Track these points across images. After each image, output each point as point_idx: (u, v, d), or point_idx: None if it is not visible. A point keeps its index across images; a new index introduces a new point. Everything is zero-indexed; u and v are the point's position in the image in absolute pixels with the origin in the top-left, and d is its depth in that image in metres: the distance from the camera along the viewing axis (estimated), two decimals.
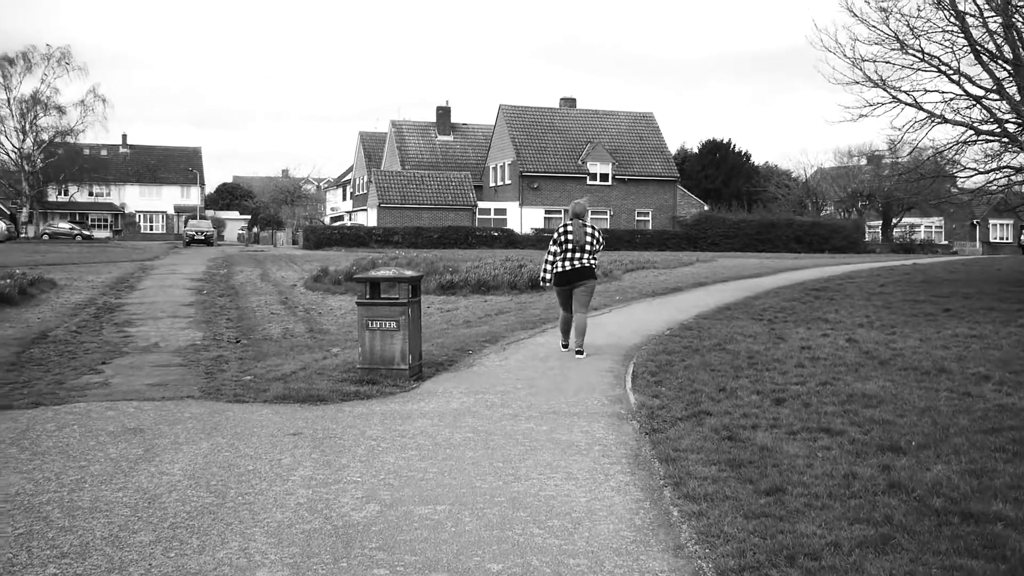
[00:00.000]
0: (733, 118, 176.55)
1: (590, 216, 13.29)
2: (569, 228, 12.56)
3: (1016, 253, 63.42)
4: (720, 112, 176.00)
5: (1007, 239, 74.67)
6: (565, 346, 13.17)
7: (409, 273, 10.58)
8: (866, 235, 66.88)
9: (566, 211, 12.87)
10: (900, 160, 67.91)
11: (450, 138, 72.07)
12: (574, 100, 69.53)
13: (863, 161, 71.37)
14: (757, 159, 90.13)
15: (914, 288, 23.82)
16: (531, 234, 59.31)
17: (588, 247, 12.60)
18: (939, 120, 22.65)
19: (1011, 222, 79.25)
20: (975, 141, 23.77)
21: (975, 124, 22.78)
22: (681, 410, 8.90)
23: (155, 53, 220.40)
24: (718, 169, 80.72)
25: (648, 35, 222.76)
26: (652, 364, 11.86)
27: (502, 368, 11.60)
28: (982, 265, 36.73)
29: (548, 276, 12.78)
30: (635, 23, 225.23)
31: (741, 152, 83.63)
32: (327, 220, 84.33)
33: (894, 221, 69.74)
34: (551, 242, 12.72)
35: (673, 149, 70.97)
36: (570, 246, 12.55)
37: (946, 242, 73.72)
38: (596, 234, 12.82)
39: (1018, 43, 22.09)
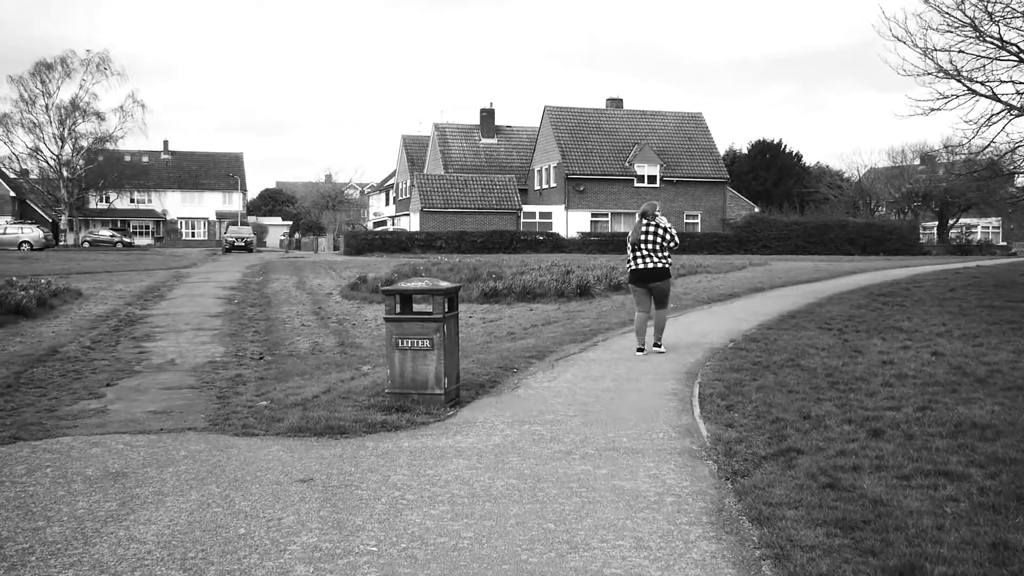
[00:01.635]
0: (783, 119, 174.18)
1: (654, 215, 13.09)
2: (640, 227, 12.83)
3: None
4: (770, 113, 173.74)
5: None
6: (640, 349, 12.97)
7: (445, 284, 9.30)
8: (921, 236, 64.66)
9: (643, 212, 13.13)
10: (956, 159, 66.12)
11: (494, 141, 70.85)
12: (621, 101, 67.99)
13: (916, 160, 69.23)
14: (808, 159, 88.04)
15: (986, 293, 22.24)
16: (577, 238, 57.91)
17: (651, 245, 12.75)
18: (1017, 112, 21.01)
19: None
20: None
21: None
22: (763, 445, 7.54)
23: (196, 61, 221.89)
24: (768, 170, 78.68)
25: (693, 38, 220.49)
26: (720, 384, 10.51)
27: (550, 390, 10.28)
28: None
29: (626, 276, 13.32)
30: (680, 26, 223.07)
31: (792, 152, 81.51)
32: (370, 225, 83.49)
33: (950, 222, 67.42)
34: (627, 240, 13.05)
35: (722, 150, 69.16)
36: (632, 246, 12.88)
37: (1004, 243, 71.16)
38: (660, 232, 12.81)
39: None
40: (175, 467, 6.99)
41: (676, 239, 13.02)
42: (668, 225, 13.07)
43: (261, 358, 13.83)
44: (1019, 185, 69.70)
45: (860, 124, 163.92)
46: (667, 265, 12.89)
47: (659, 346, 13.08)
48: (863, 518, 5.54)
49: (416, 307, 9.60)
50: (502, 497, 6.18)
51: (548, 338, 14.86)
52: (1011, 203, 62.70)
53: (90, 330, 16.88)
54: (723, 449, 7.48)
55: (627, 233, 51.27)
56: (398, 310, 9.39)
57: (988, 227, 74.05)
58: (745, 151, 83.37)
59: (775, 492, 6.13)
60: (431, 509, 5.90)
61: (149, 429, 8.43)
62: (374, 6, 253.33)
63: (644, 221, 12.82)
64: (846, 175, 76.30)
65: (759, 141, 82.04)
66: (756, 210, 68.50)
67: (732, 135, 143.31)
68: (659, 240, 12.80)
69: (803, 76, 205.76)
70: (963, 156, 64.49)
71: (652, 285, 12.87)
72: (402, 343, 9.15)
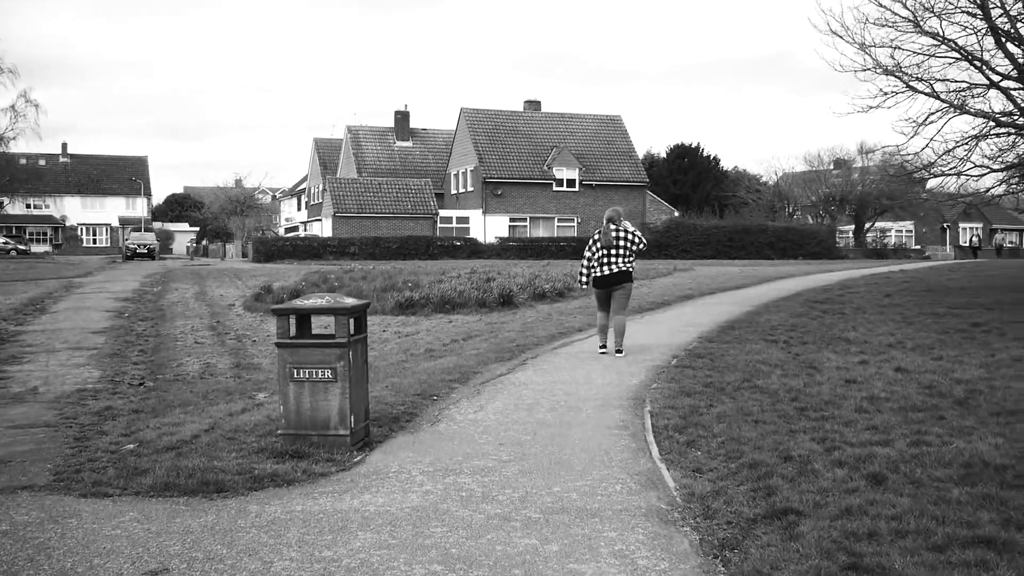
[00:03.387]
0: (702, 124, 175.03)
1: (620, 221, 13.20)
2: (598, 233, 12.95)
3: (992, 257, 61.44)
4: (689, 119, 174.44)
5: (977, 243, 72.74)
6: (603, 347, 13.21)
7: (350, 301, 7.67)
8: (838, 240, 64.68)
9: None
10: (871, 163, 66.34)
11: (409, 144, 68.94)
12: (539, 103, 66.61)
13: (831, 165, 69.37)
14: (727, 164, 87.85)
15: (923, 299, 21.41)
16: (496, 243, 56.39)
17: (622, 250, 12.86)
18: (957, 111, 20.10)
19: (980, 225, 77.67)
20: (992, 135, 21.27)
21: (996, 115, 20.26)
22: (747, 500, 6.09)
23: (103, 64, 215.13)
24: (686, 174, 78.14)
25: (613, 46, 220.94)
26: (674, 413, 9.06)
27: (477, 424, 8.70)
28: (973, 271, 34.48)
29: (585, 280, 13.23)
30: (600, 34, 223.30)
31: (710, 156, 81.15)
32: (281, 231, 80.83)
33: (867, 225, 67.64)
34: (586, 247, 13.18)
35: (640, 154, 68.29)
36: (606, 250, 12.87)
37: (918, 246, 71.74)
38: (630, 237, 12.97)
39: None
40: None
41: (644, 241, 13.24)
42: (634, 229, 13.22)
43: (141, 384, 12.03)
44: (930, 188, 70.65)
45: (779, 129, 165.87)
46: (632, 269, 13.10)
47: (621, 351, 13.05)
48: None
49: (317, 334, 7.96)
50: None
51: (471, 356, 13.30)
52: (928, 204, 63.21)
53: None
54: (699, 508, 6.00)
55: (546, 238, 49.50)
56: (293, 333, 7.74)
57: (902, 231, 74.62)
58: (663, 155, 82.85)
59: None
60: None
61: None
62: (289, 8, 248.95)
63: (613, 227, 12.93)
64: (763, 179, 76.24)
65: (677, 145, 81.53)
66: (676, 214, 67.86)
67: (651, 139, 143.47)
68: (629, 245, 12.97)
69: (722, 82, 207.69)
70: (877, 162, 64.83)
71: (616, 289, 12.98)
72: (298, 373, 7.50)
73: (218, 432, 8.47)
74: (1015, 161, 21.45)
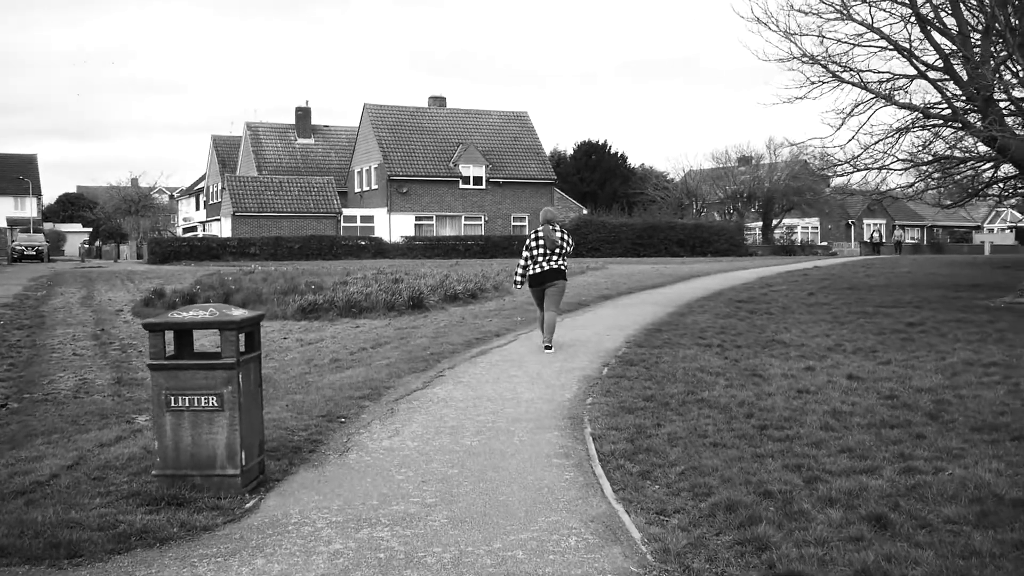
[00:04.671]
0: (610, 122, 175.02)
1: (557, 222, 13.65)
2: (540, 232, 13.21)
3: (893, 253, 62.13)
4: (596, 117, 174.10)
5: (883, 239, 73.75)
6: (548, 346, 13.22)
7: (238, 313, 6.31)
8: (746, 237, 64.77)
9: (543, 218, 13.60)
10: (778, 160, 66.64)
11: (311, 141, 66.80)
12: (444, 99, 65.13)
13: (735, 162, 69.50)
14: (634, 161, 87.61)
15: (847, 297, 20.87)
16: (402, 243, 54.83)
17: (560, 249, 13.18)
18: (885, 102, 19.46)
19: (884, 221, 78.86)
20: (917, 128, 20.74)
21: (926, 107, 19.69)
22: (736, 558, 4.97)
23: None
24: (594, 171, 77.46)
25: (522, 46, 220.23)
26: (618, 435, 7.92)
27: (394, 454, 7.41)
28: (887, 268, 34.34)
29: (520, 280, 13.48)
30: (509, 34, 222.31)
31: (617, 154, 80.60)
32: (179, 231, 77.90)
33: (774, 222, 67.92)
34: (524, 247, 13.37)
35: (547, 152, 67.38)
36: (543, 249, 13.14)
37: (824, 243, 72.31)
38: (567, 237, 13.41)
39: (963, 12, 19.14)
40: None
41: (572, 242, 13.63)
42: (568, 232, 13.61)
43: (3, 406, 10.45)
44: (835, 185, 71.36)
45: (687, 128, 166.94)
46: (564, 267, 13.39)
47: (550, 347, 13.20)
48: None
49: (200, 354, 6.57)
50: None
51: (381, 366, 11.99)
52: (834, 201, 63.74)
53: None
54: (679, 570, 4.83)
55: (453, 237, 48.23)
56: (171, 353, 6.36)
57: (808, 227, 75.23)
58: (571, 152, 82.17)
59: None
60: None
61: None
62: (194, 6, 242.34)
63: (553, 227, 13.29)
64: (670, 176, 76.05)
65: (584, 142, 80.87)
66: (584, 212, 67.16)
67: (558, 137, 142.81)
68: (565, 246, 13.32)
69: (630, 83, 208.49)
70: (786, 158, 65.01)
71: (551, 286, 13.20)
72: (176, 401, 6.12)
73: (83, 470, 7.04)
74: (945, 153, 20.96)
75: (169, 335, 6.39)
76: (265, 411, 8.89)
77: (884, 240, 68.10)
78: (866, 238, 69.26)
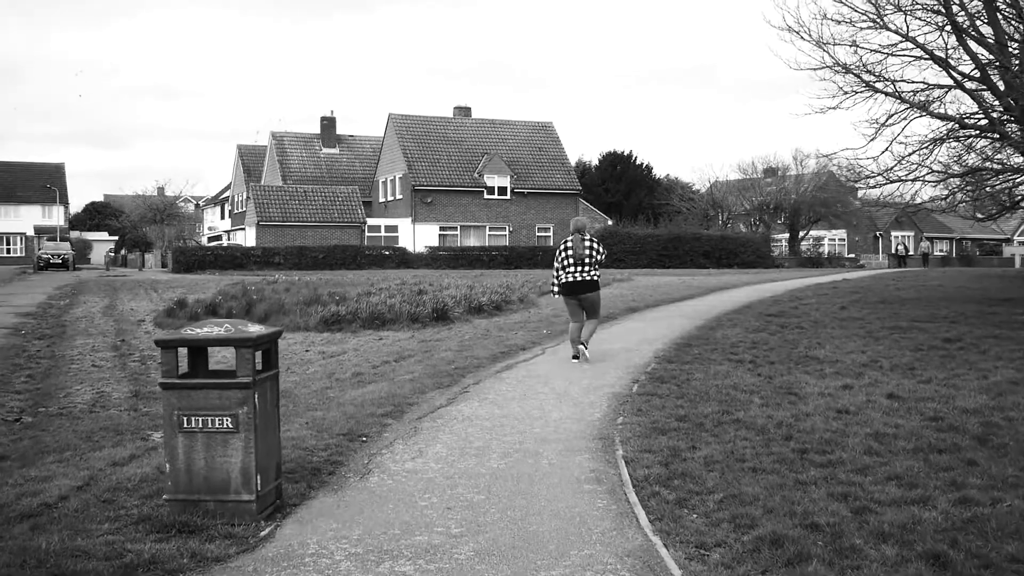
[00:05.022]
0: (635, 132, 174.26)
1: (588, 231, 13.62)
2: (569, 243, 13.26)
3: (919, 265, 61.32)
4: (621, 127, 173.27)
5: (913, 252, 73.00)
6: (575, 357, 13.28)
7: (254, 329, 6.00)
8: (772, 249, 64.13)
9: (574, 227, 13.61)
10: (805, 171, 65.98)
11: (336, 151, 66.74)
12: (469, 109, 64.91)
13: (760, 173, 68.89)
14: (659, 172, 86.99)
15: (880, 312, 20.36)
16: (425, 253, 54.59)
17: (588, 260, 13.17)
18: (921, 112, 19.01)
19: (912, 233, 77.98)
20: (952, 139, 20.27)
21: (962, 117, 19.23)
22: None
23: (22, 65, 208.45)
24: (619, 182, 76.96)
25: (546, 54, 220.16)
26: (651, 458, 7.56)
27: (417, 478, 7.08)
28: (916, 281, 33.71)
29: (556, 290, 13.53)
30: (534, 42, 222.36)
31: (643, 164, 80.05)
32: (204, 240, 78.01)
33: (801, 234, 67.24)
34: (555, 258, 13.50)
35: (572, 162, 67.00)
36: (571, 260, 13.19)
37: (851, 255, 71.54)
38: (597, 247, 13.37)
39: (1000, 22, 18.68)
40: None
41: (604, 252, 13.59)
42: (598, 240, 13.58)
43: (18, 420, 10.19)
44: (860, 198, 70.53)
45: (713, 138, 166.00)
46: (598, 278, 13.36)
47: (585, 355, 13.30)
48: None
49: (214, 372, 6.27)
50: None
51: (404, 381, 11.68)
52: (862, 212, 62.96)
53: None
54: None
55: (477, 247, 48.07)
56: (184, 371, 6.06)
57: (835, 239, 74.43)
58: (595, 163, 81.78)
59: None
60: None
61: None
62: (218, 15, 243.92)
63: (584, 237, 13.27)
64: (695, 187, 75.49)
65: (610, 152, 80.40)
66: (609, 223, 66.69)
67: (583, 147, 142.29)
68: (595, 255, 13.28)
69: (655, 92, 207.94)
70: (812, 169, 64.30)
71: (585, 296, 13.26)
72: (189, 423, 5.82)
73: (93, 491, 6.75)
74: (977, 165, 20.48)
75: (183, 351, 6.09)
76: (284, 429, 8.60)
77: (910, 252, 67.26)
78: (892, 250, 68.39)
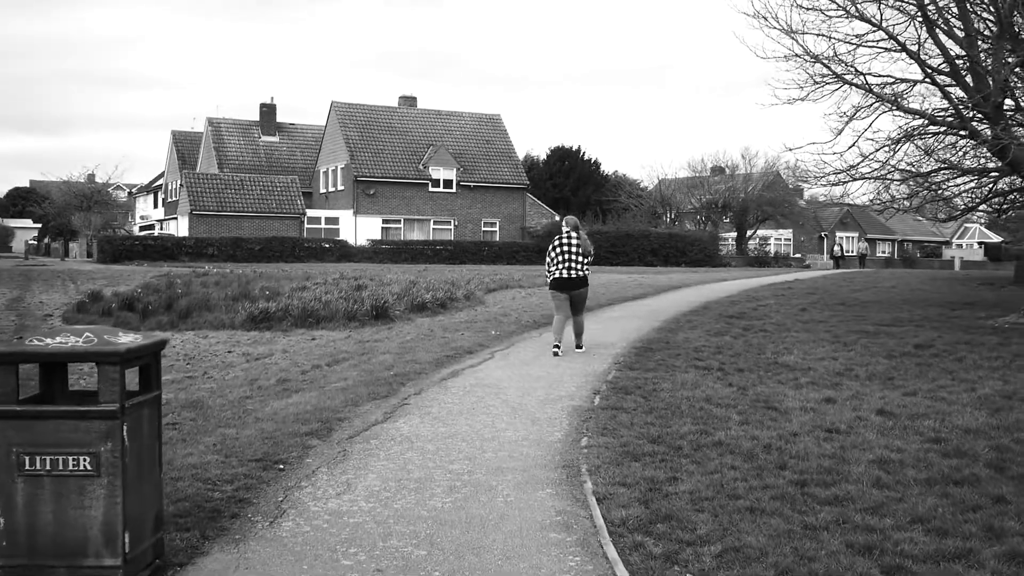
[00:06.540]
0: (584, 128, 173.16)
1: (574, 229, 13.78)
2: (564, 240, 13.51)
3: (856, 266, 60.96)
4: (571, 123, 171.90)
5: (851, 252, 72.83)
6: (557, 348, 13.30)
7: (126, 340, 4.57)
8: (720, 247, 63.46)
9: (564, 222, 13.97)
10: (753, 172, 65.46)
11: (276, 139, 64.63)
12: (415, 99, 63.15)
13: (709, 172, 68.21)
14: (609, 168, 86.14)
15: (841, 315, 19.56)
16: (367, 246, 52.93)
17: (580, 257, 13.45)
18: (891, 107, 18.00)
19: (856, 234, 77.91)
20: (923, 135, 19.31)
21: (932, 113, 18.26)
22: None
23: None
24: (567, 177, 75.67)
25: (496, 49, 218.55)
26: (626, 494, 6.31)
27: (342, 522, 5.69)
28: (869, 282, 33.15)
29: (550, 280, 13.60)
30: (483, 37, 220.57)
31: (591, 160, 78.92)
32: (136, 229, 75.35)
33: (748, 233, 66.66)
34: (547, 252, 13.77)
35: (520, 156, 65.60)
36: (563, 256, 13.42)
37: (798, 255, 71.16)
38: (585, 244, 13.58)
39: (970, 14, 17.75)
40: None
41: (592, 248, 13.81)
42: (584, 235, 13.80)
43: None
44: (807, 198, 70.16)
45: (662, 136, 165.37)
46: (587, 274, 13.67)
47: (581, 347, 13.77)
48: None
49: (72, 396, 4.86)
50: None
51: (336, 390, 10.29)
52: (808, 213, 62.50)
53: None
54: None
55: (421, 241, 46.85)
56: (32, 394, 4.63)
57: (781, 239, 73.98)
58: (544, 158, 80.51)
59: None
60: None
61: None
62: (159, 6, 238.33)
63: (575, 234, 13.55)
64: (644, 184, 74.57)
65: (558, 147, 79.15)
66: (556, 218, 65.53)
67: (531, 142, 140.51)
68: (584, 252, 13.51)
69: (606, 90, 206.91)
70: (761, 168, 63.87)
71: (576, 292, 13.52)
72: (33, 463, 4.39)
73: None
74: (943, 165, 19.52)
75: (31, 366, 4.67)
76: (186, 453, 7.19)
77: (847, 253, 67.18)
78: (831, 251, 68.10)
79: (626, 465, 7.07)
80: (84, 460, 4.38)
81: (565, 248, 13.40)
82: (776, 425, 8.59)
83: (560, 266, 13.37)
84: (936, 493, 6.41)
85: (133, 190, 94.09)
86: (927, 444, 7.86)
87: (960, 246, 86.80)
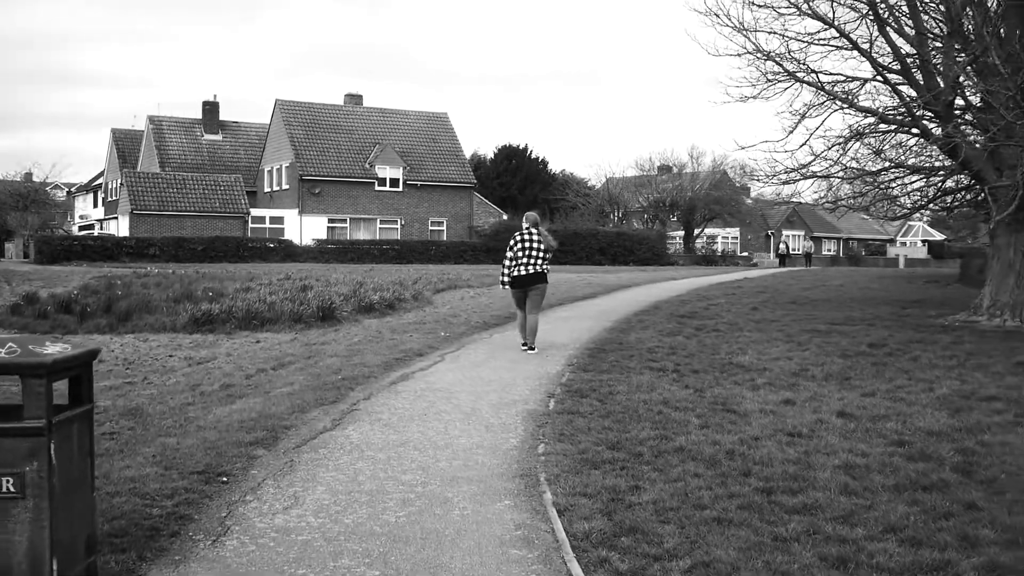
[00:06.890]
0: (532, 127, 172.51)
1: (534, 226, 13.80)
2: (525, 236, 13.53)
3: (801, 264, 61.42)
4: (517, 122, 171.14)
5: (797, 250, 73.50)
6: (525, 344, 13.67)
7: (54, 350, 4.21)
8: (668, 246, 63.63)
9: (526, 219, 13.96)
10: (700, 170, 65.81)
11: (219, 137, 63.56)
12: (361, 97, 62.39)
13: (656, 170, 68.40)
14: (556, 167, 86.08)
15: (793, 313, 19.55)
16: (313, 246, 52.23)
17: (541, 253, 13.49)
18: (843, 105, 17.98)
19: (803, 232, 78.65)
20: (873, 134, 19.34)
21: (883, 112, 18.27)
22: None
23: None
24: (514, 176, 75.46)
25: (441, 47, 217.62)
26: (588, 505, 6.06)
27: (290, 540, 5.37)
28: (817, 281, 33.26)
29: (506, 281, 13.64)
30: (428, 35, 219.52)
31: (538, 159, 78.75)
32: (75, 229, 73.80)
33: (696, 232, 66.92)
34: (508, 248, 13.69)
35: (467, 155, 65.25)
36: (524, 252, 13.44)
37: (745, 253, 71.60)
38: (547, 242, 13.62)
39: (920, 14, 17.81)
40: None
41: (555, 245, 14.03)
42: (545, 233, 13.84)
43: None
44: (754, 197, 70.73)
45: (610, 135, 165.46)
46: (547, 271, 13.67)
47: (533, 348, 13.65)
48: None
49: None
50: None
51: (282, 395, 9.94)
52: (755, 210, 62.94)
53: None
54: None
55: (368, 241, 46.06)
56: None
57: (728, 238, 74.38)
58: (491, 156, 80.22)
59: None
60: None
61: None
62: (99, 3, 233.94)
63: (536, 231, 13.59)
64: (591, 183, 74.61)
65: (505, 146, 78.84)
66: (504, 217, 65.20)
67: (478, 141, 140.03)
68: (546, 248, 13.57)
69: (553, 89, 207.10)
70: (707, 166, 64.21)
71: (533, 289, 13.50)
72: None
73: None
74: (891, 164, 19.56)
75: None
76: (124, 465, 6.81)
77: (791, 251, 67.70)
78: (776, 250, 68.60)
79: (586, 473, 6.82)
80: (7, 482, 4.02)
81: (527, 244, 13.43)
82: (736, 429, 8.42)
83: (520, 262, 13.41)
84: (906, 500, 6.26)
85: (72, 189, 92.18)
86: (891, 447, 7.73)
87: (904, 244, 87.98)
